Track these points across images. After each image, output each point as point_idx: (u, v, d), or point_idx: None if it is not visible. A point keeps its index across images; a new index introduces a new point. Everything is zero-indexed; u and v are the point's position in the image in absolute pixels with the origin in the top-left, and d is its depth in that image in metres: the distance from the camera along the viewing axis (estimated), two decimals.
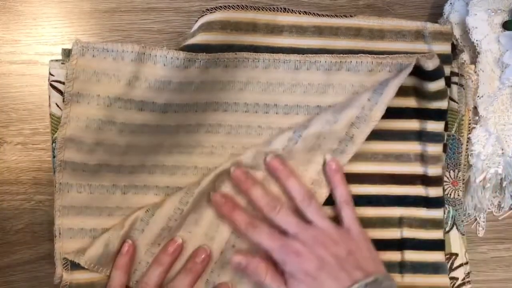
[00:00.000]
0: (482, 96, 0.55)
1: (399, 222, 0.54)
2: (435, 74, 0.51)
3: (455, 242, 0.55)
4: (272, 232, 0.50)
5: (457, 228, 0.55)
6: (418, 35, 0.54)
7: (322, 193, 0.53)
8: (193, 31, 0.52)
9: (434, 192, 0.54)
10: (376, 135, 0.53)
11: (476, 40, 0.55)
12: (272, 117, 0.53)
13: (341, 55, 0.53)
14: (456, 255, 0.55)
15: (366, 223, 0.52)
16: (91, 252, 0.50)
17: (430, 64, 0.50)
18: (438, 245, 0.54)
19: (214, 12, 0.52)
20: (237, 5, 0.53)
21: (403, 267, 0.53)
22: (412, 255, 0.53)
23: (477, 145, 0.56)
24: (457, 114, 0.55)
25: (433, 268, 0.53)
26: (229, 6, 0.52)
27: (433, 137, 0.53)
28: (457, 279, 0.54)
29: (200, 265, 0.51)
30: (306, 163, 0.53)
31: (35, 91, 0.56)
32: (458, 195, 0.55)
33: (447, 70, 0.53)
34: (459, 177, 0.55)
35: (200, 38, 0.51)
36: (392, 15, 0.58)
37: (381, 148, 0.54)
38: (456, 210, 0.55)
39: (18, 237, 0.55)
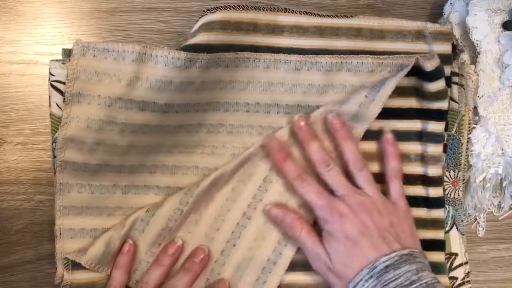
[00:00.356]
0: (482, 96, 0.55)
1: None
2: (435, 75, 0.51)
3: (455, 242, 0.55)
4: (320, 189, 0.50)
5: (457, 228, 0.55)
6: (419, 35, 0.54)
7: None
8: (194, 31, 0.52)
9: (434, 192, 0.54)
10: (376, 135, 0.53)
11: (476, 40, 0.55)
12: (273, 116, 0.53)
13: (342, 55, 0.53)
14: (456, 255, 0.55)
15: None
16: (92, 252, 0.50)
17: (430, 65, 0.50)
18: (438, 245, 0.54)
19: (215, 12, 0.52)
20: (238, 5, 0.53)
21: None
22: None
23: (477, 145, 0.56)
24: (457, 114, 0.55)
25: (433, 268, 0.53)
26: (230, 6, 0.52)
27: (433, 138, 0.53)
28: (456, 278, 0.54)
29: (198, 264, 0.51)
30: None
31: (35, 91, 0.56)
32: (458, 195, 0.55)
33: (447, 70, 0.53)
34: (459, 177, 0.55)
35: (201, 38, 0.51)
36: (392, 15, 0.58)
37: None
38: (456, 210, 0.55)
39: (18, 237, 0.55)
